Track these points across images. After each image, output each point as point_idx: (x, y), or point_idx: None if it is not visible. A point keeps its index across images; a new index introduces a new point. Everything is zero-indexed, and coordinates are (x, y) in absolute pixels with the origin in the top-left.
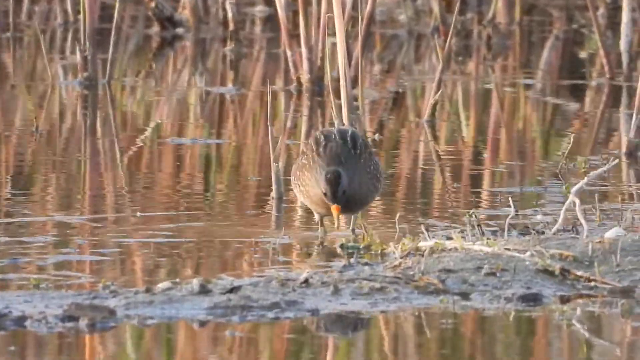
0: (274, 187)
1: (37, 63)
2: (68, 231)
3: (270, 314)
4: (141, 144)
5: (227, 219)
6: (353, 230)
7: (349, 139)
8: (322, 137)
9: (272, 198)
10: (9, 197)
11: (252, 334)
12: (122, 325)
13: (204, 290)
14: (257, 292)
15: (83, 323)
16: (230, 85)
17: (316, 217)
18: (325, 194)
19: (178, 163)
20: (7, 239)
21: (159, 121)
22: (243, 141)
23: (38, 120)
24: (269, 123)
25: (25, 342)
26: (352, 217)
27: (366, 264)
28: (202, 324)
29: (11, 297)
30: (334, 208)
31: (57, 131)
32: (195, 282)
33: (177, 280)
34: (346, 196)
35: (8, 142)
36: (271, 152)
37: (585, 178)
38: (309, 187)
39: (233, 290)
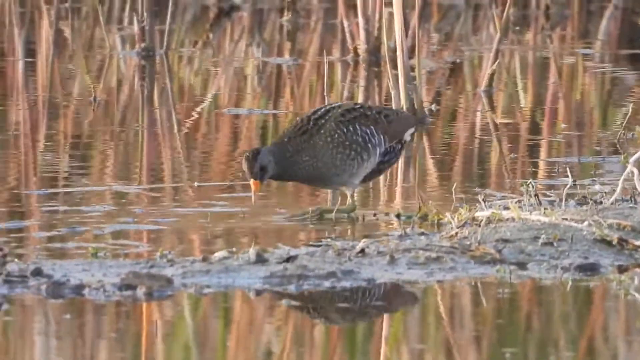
0: None
1: (96, 34)
2: (126, 200)
3: (327, 283)
4: (198, 114)
5: (285, 189)
6: (348, 212)
7: (320, 111)
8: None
9: None
10: (67, 166)
11: (308, 303)
12: (179, 294)
13: (260, 260)
14: (313, 262)
15: (140, 291)
16: (287, 55)
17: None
18: (243, 172)
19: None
20: (66, 208)
21: (216, 92)
22: (300, 111)
23: (96, 91)
24: (325, 93)
25: (83, 310)
26: (335, 192)
27: (422, 233)
28: (259, 293)
29: (70, 266)
30: (252, 183)
31: (115, 101)
32: (251, 252)
33: (234, 249)
34: (261, 173)
35: (67, 112)
36: None
37: None
38: None
39: (289, 259)
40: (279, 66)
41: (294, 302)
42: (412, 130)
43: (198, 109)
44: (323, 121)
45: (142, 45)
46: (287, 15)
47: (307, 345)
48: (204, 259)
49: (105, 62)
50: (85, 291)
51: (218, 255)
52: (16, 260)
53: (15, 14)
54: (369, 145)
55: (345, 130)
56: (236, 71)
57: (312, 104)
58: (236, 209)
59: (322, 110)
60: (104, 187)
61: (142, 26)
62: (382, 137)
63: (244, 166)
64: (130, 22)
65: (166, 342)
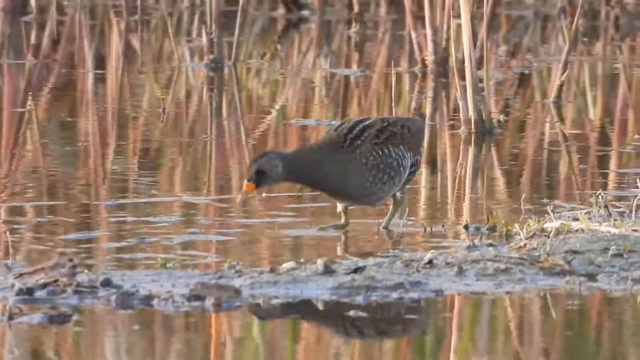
0: None
1: (164, 45)
2: (194, 211)
3: (395, 295)
4: (266, 125)
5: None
6: (344, 225)
7: (346, 130)
8: (341, 125)
9: None
10: (136, 177)
11: (376, 314)
12: (247, 305)
13: (328, 271)
14: (381, 273)
15: (209, 302)
16: (355, 67)
17: (338, 207)
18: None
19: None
20: (135, 218)
21: (284, 103)
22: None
23: (165, 102)
24: (393, 104)
25: (153, 321)
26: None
27: (490, 244)
28: (326, 303)
29: (139, 277)
30: (244, 184)
31: (184, 112)
32: (319, 262)
33: (302, 260)
34: (257, 178)
35: (136, 123)
36: None
37: None
38: None
39: (357, 270)
40: (346, 77)
41: (361, 314)
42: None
43: (266, 120)
44: (359, 142)
45: (211, 57)
46: (354, 27)
47: (375, 357)
48: (272, 270)
49: (174, 74)
50: (154, 302)
51: (286, 266)
52: (86, 271)
53: (86, 27)
54: (401, 168)
55: (380, 152)
56: (304, 82)
57: (380, 115)
58: (302, 219)
59: (358, 129)
60: (173, 198)
61: (210, 38)
62: (408, 154)
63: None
64: (199, 34)
65: (235, 354)
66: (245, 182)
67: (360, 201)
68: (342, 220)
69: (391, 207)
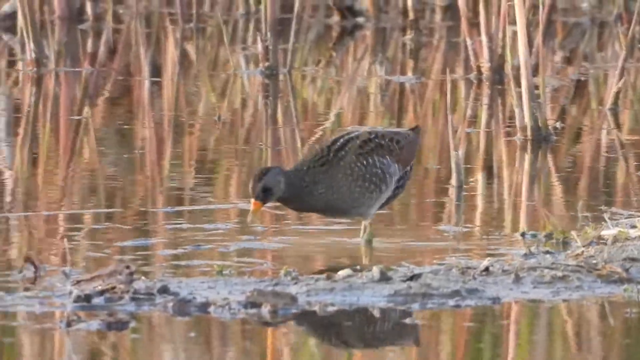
0: (454, 175)
1: (220, 53)
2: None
3: (451, 302)
4: (321, 133)
5: (407, 207)
6: (369, 240)
7: (340, 141)
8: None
9: (452, 186)
10: (192, 184)
11: (432, 322)
12: (304, 312)
13: (384, 278)
14: (437, 280)
15: (265, 309)
16: (410, 74)
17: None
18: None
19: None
20: (191, 225)
21: (339, 110)
22: (423, 130)
23: (220, 109)
24: (448, 112)
25: (209, 328)
26: (363, 225)
27: (547, 252)
28: (383, 311)
29: (195, 284)
30: (252, 203)
31: (239, 120)
32: (375, 270)
33: (358, 267)
34: (263, 194)
35: (191, 130)
36: (451, 140)
37: None
38: None
39: (413, 277)
40: (401, 84)
41: (418, 321)
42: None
43: (321, 128)
44: (343, 153)
45: (266, 64)
46: (409, 34)
47: None
48: (328, 277)
49: (229, 81)
50: (211, 309)
51: (342, 273)
52: (143, 278)
53: (142, 35)
54: (387, 176)
55: (365, 162)
56: (359, 89)
57: (435, 122)
58: (358, 227)
59: (342, 140)
60: (229, 205)
61: (265, 45)
62: (396, 165)
63: (250, 184)
64: (254, 42)
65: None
66: (253, 200)
67: (351, 213)
68: (366, 232)
69: (367, 232)
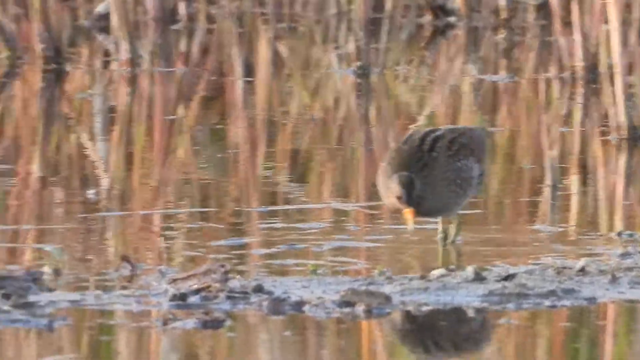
0: (548, 174)
1: (312, 52)
2: (344, 217)
3: (547, 302)
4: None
5: (501, 207)
6: (453, 241)
7: (428, 141)
8: (404, 138)
9: (547, 185)
10: (286, 184)
11: (528, 322)
12: (398, 312)
13: (478, 278)
14: (532, 280)
15: (359, 309)
16: (502, 73)
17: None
18: (398, 198)
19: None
20: (285, 225)
21: (432, 109)
22: (517, 129)
23: (313, 109)
24: (542, 111)
25: (304, 327)
26: (451, 227)
27: None
28: (478, 311)
29: (289, 283)
30: (407, 212)
31: (332, 119)
32: (470, 270)
33: (452, 267)
34: (417, 201)
35: (285, 129)
36: (545, 140)
37: None
38: (381, 191)
39: (508, 277)
40: (494, 84)
41: (513, 321)
42: None
43: (415, 127)
44: (435, 154)
45: (358, 63)
46: (502, 33)
47: None
48: (422, 277)
49: (321, 81)
50: (306, 308)
51: (436, 272)
52: (238, 276)
53: (234, 35)
54: (472, 179)
55: (455, 167)
56: (452, 89)
57: (529, 121)
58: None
59: (430, 140)
60: (322, 205)
61: (358, 45)
62: (476, 166)
63: (401, 193)
64: (347, 41)
65: None
66: (406, 210)
67: (439, 216)
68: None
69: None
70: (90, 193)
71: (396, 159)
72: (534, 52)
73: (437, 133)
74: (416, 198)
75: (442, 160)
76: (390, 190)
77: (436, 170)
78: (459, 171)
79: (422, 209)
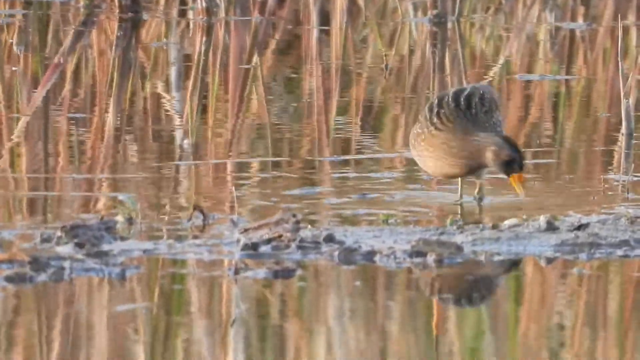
0: (624, 123)
1: (388, 1)
2: (416, 167)
3: (619, 252)
4: (490, 81)
5: (576, 156)
6: (480, 198)
7: (462, 101)
8: (435, 103)
9: (622, 134)
10: (359, 133)
11: (600, 272)
12: (469, 261)
13: (551, 227)
14: (605, 230)
15: (430, 259)
16: (580, 20)
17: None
18: (510, 162)
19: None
20: (357, 174)
21: (508, 57)
22: (593, 77)
23: (388, 58)
24: (619, 58)
25: (375, 277)
26: (478, 183)
27: None
28: (549, 260)
29: (360, 232)
30: (517, 177)
31: (407, 68)
32: (542, 219)
33: (524, 216)
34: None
35: (359, 79)
36: (621, 88)
37: None
38: (425, 158)
39: (581, 227)
40: (572, 31)
41: (585, 271)
42: None
43: (489, 75)
44: (474, 111)
45: (434, 11)
46: None
47: (600, 317)
48: (494, 227)
49: (397, 30)
50: (377, 258)
51: (508, 222)
52: (309, 226)
53: None
54: (503, 133)
55: (492, 122)
56: (528, 37)
57: (606, 69)
58: (527, 175)
59: (463, 100)
60: (395, 154)
61: None
62: (501, 119)
63: (516, 155)
64: None
65: (457, 309)
66: (520, 174)
67: (479, 173)
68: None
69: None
70: (185, 143)
71: (451, 121)
72: None
73: (467, 92)
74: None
75: (481, 117)
76: (492, 152)
77: (477, 127)
78: (495, 126)
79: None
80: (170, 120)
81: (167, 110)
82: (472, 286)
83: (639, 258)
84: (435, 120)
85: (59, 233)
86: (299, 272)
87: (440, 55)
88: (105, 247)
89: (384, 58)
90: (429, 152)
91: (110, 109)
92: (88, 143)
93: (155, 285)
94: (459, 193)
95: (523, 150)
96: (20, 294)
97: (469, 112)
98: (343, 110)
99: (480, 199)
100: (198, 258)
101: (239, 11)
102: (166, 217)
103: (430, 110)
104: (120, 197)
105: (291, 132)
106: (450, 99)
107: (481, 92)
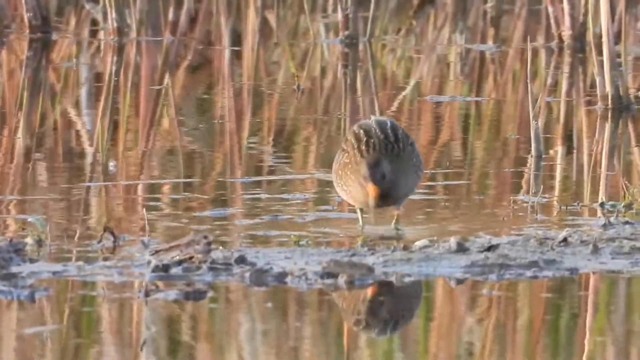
0: (533, 145)
1: (300, 21)
2: (328, 189)
3: (529, 273)
4: (401, 102)
5: (486, 177)
6: (397, 228)
7: (389, 132)
8: (362, 133)
9: (531, 156)
10: (270, 154)
11: (509, 293)
12: (380, 282)
13: (461, 249)
14: (515, 251)
15: (342, 280)
16: (490, 42)
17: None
18: (365, 178)
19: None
20: (269, 195)
21: (419, 79)
22: (503, 99)
23: (300, 79)
24: (528, 80)
25: (286, 298)
26: (395, 212)
27: (627, 222)
28: (460, 281)
29: (272, 254)
30: (371, 189)
31: (319, 89)
32: (452, 241)
33: (435, 238)
34: (388, 187)
35: (271, 99)
36: (531, 109)
37: None
38: (351, 188)
39: (491, 248)
40: (482, 53)
41: (495, 292)
42: None
43: (400, 97)
44: (402, 145)
45: (346, 32)
46: (490, 2)
47: (509, 337)
48: (405, 248)
49: (309, 51)
50: (288, 279)
51: (419, 244)
52: (220, 248)
53: (222, 3)
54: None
55: (415, 153)
56: (439, 58)
57: (515, 91)
58: (438, 197)
59: (389, 128)
60: (306, 176)
61: (346, 14)
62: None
63: (367, 173)
64: (334, 10)
65: (368, 330)
66: (373, 187)
67: (402, 200)
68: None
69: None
70: (111, 165)
71: (371, 153)
72: (522, 21)
73: (389, 122)
74: (381, 179)
75: (408, 148)
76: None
77: (404, 157)
78: (418, 157)
79: (390, 196)
80: (81, 141)
81: (78, 131)
82: (383, 307)
83: (547, 279)
84: (363, 149)
85: None
86: (210, 293)
87: (351, 77)
88: (14, 269)
89: (296, 79)
90: (354, 185)
91: (20, 130)
92: None
93: (64, 307)
94: (360, 223)
95: (380, 169)
96: None
97: (396, 144)
98: (255, 131)
99: (397, 229)
100: (108, 280)
101: (150, 31)
102: (76, 239)
103: (358, 140)
104: (30, 218)
105: (203, 153)
106: (377, 130)
107: (396, 124)
